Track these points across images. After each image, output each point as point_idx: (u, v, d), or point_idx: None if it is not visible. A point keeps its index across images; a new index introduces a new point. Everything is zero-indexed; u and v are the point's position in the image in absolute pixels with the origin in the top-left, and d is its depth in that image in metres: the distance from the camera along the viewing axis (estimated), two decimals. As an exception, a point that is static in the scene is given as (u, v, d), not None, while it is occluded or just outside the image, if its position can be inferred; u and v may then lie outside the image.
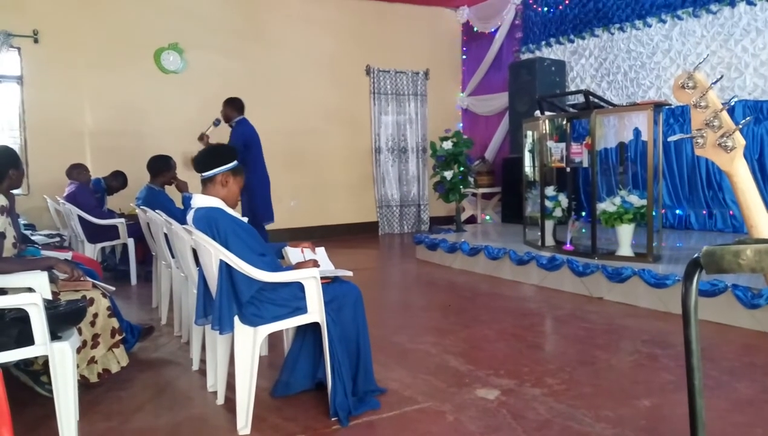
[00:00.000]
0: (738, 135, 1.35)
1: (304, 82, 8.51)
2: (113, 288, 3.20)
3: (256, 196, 5.85)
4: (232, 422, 2.58)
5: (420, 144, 9.50)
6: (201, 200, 2.68)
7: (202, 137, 5.86)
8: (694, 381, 1.18)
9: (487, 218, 8.76)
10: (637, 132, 5.59)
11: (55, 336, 2.30)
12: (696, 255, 1.17)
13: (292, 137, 8.41)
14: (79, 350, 2.81)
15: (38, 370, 2.90)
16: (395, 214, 9.49)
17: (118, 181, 6.56)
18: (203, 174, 2.71)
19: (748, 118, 2.47)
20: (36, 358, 2.70)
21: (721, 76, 4.12)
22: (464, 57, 9.94)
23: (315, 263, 2.76)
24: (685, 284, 1.19)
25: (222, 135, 6.03)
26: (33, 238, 4.33)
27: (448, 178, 6.94)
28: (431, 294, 5.41)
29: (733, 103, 5.83)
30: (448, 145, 6.91)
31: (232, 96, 6.06)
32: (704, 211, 6.28)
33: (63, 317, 2.40)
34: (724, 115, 1.35)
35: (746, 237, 1.23)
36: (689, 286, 1.16)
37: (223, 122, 5.96)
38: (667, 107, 5.58)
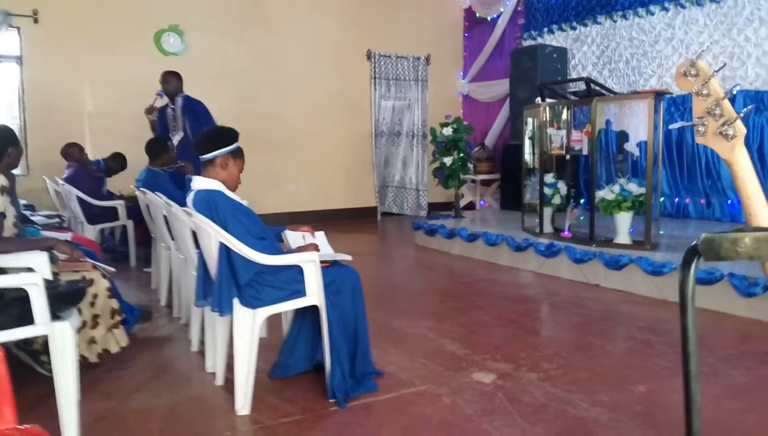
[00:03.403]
0: (739, 124, 1.35)
1: (304, 66, 8.46)
2: (113, 269, 3.21)
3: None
4: (230, 403, 2.61)
5: (420, 129, 9.44)
6: (201, 183, 2.69)
7: (151, 111, 5.65)
8: (690, 367, 1.20)
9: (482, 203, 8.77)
10: (608, 123, 5.68)
11: (55, 316, 2.31)
12: (694, 242, 1.18)
13: (292, 121, 8.40)
14: (78, 331, 2.83)
15: (38, 349, 2.91)
16: (394, 200, 9.49)
17: (117, 162, 6.54)
18: (203, 156, 2.71)
19: (750, 106, 2.47)
20: (36, 337, 2.71)
21: (724, 65, 4.12)
22: (466, 43, 9.88)
23: (315, 248, 2.77)
24: (682, 271, 1.19)
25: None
26: (32, 218, 4.33)
27: (448, 164, 6.93)
28: (429, 279, 5.43)
29: (735, 92, 5.82)
30: (448, 131, 6.89)
31: (171, 69, 5.76)
32: (702, 200, 6.30)
33: (63, 297, 2.41)
34: (726, 103, 1.35)
35: (745, 225, 1.24)
36: (687, 273, 1.17)
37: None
38: (668, 96, 5.57)
